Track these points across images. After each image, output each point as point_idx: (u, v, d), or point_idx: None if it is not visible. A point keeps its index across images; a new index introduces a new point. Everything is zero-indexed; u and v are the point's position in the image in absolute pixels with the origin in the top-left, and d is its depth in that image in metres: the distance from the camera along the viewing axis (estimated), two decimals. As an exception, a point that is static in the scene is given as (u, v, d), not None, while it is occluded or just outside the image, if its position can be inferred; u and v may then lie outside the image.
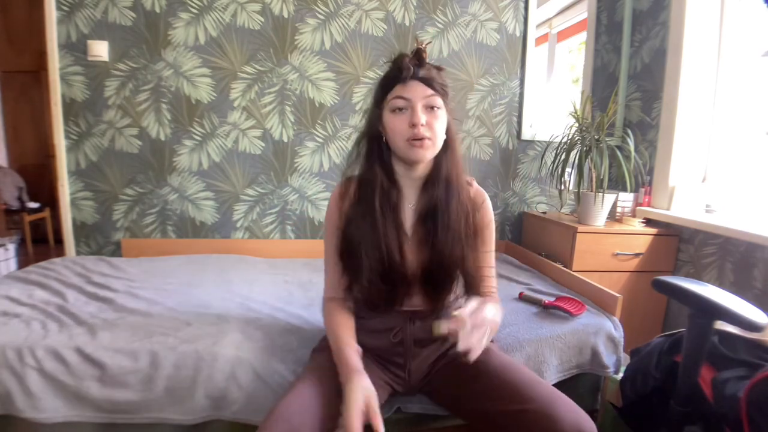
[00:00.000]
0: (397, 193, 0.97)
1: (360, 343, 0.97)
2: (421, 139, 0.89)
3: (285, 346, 1.10)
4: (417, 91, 0.89)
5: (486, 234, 1.01)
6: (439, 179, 0.96)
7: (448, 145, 0.95)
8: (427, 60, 0.92)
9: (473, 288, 0.98)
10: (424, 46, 0.92)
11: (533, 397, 0.81)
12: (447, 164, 0.96)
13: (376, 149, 0.95)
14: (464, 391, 0.93)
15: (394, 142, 0.92)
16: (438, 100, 0.90)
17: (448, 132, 0.94)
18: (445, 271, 0.95)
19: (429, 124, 0.89)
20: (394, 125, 0.90)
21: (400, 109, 0.90)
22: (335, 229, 0.99)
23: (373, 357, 0.99)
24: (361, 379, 0.80)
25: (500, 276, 1.67)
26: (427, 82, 0.90)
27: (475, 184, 1.03)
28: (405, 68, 0.89)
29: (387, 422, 0.94)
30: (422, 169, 0.96)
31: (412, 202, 0.99)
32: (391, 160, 0.97)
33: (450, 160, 0.96)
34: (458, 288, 1.00)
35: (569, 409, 0.79)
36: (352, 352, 0.86)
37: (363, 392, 0.77)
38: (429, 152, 0.91)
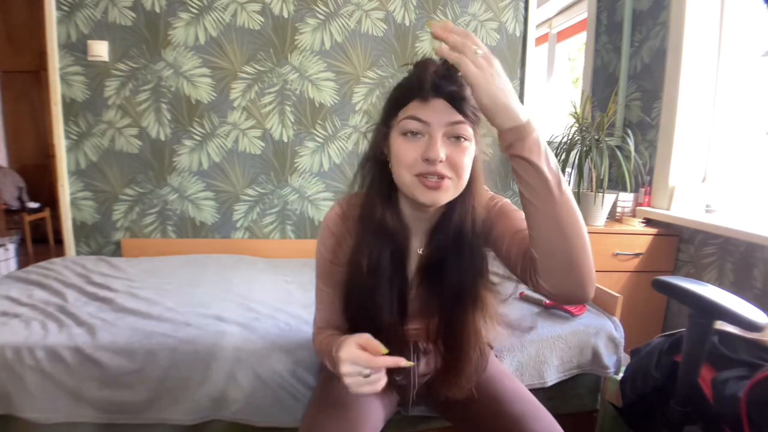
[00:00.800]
0: (405, 239, 0.79)
1: None
2: (440, 177, 0.68)
3: (285, 346, 1.10)
4: (440, 114, 0.67)
5: (509, 217, 0.77)
6: (449, 228, 0.76)
7: (469, 184, 0.73)
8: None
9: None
10: None
11: (512, 413, 0.79)
12: (462, 210, 0.75)
13: (381, 178, 0.76)
14: (453, 400, 0.90)
15: (398, 175, 0.71)
16: (468, 129, 0.69)
17: (472, 169, 0.73)
18: (456, 335, 0.79)
19: (451, 160, 0.68)
20: (402, 153, 0.69)
21: (414, 134, 0.69)
22: (328, 262, 0.82)
23: None
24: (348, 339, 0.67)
25: (500, 276, 1.66)
26: (456, 102, 0.67)
27: (488, 193, 0.82)
28: (427, 80, 0.68)
29: (388, 422, 0.94)
30: (434, 210, 0.76)
31: (420, 246, 0.82)
32: (397, 195, 0.78)
33: (466, 203, 0.75)
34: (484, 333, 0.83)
35: (548, 425, 0.77)
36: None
37: (355, 341, 0.66)
38: (446, 195, 0.71)
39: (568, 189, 0.63)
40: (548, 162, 0.61)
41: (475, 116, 0.70)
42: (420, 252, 0.81)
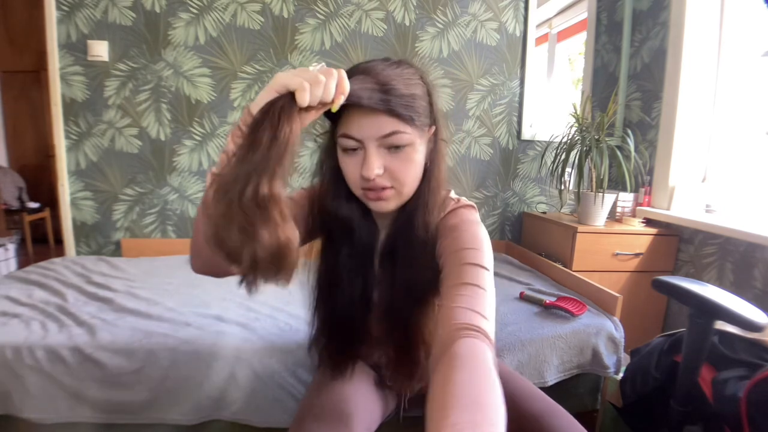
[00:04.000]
0: (372, 234, 0.79)
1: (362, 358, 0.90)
2: (381, 189, 0.68)
3: (284, 346, 1.10)
4: (371, 128, 0.64)
5: (450, 260, 0.68)
6: (401, 226, 0.75)
7: (422, 184, 0.73)
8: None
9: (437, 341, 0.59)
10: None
11: (531, 412, 0.76)
12: (412, 209, 0.73)
13: (342, 180, 0.73)
14: None
15: (351, 187, 0.72)
16: (403, 136, 0.65)
17: (428, 159, 0.72)
18: (404, 330, 0.77)
19: (391, 171, 0.67)
20: (346, 170, 0.70)
21: (353, 149, 0.67)
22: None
23: (374, 377, 0.91)
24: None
25: (500, 276, 1.67)
26: (385, 107, 0.63)
27: (457, 204, 0.78)
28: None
29: (386, 425, 0.94)
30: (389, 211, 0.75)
31: (383, 236, 0.81)
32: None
33: (418, 202, 0.73)
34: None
35: (567, 422, 0.75)
36: None
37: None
38: (392, 203, 0.71)
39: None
40: None
41: (410, 114, 0.65)
42: (382, 242, 0.81)
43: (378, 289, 0.81)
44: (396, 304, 0.78)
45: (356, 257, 0.78)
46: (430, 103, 0.71)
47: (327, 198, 0.75)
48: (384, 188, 0.68)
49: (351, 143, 0.66)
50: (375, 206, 0.71)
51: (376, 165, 0.66)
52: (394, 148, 0.67)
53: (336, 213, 0.75)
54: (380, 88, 0.63)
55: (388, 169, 0.67)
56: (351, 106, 0.62)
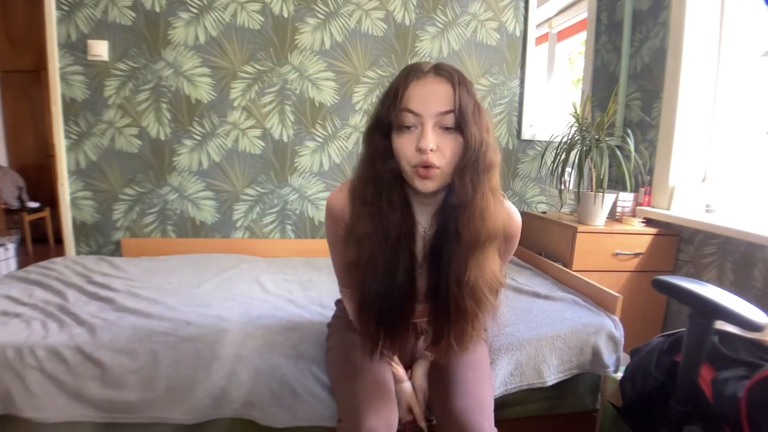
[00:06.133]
0: (411, 219, 0.84)
1: None
2: (427, 167, 0.74)
3: (285, 344, 1.11)
4: (431, 103, 0.73)
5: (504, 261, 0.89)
6: (448, 212, 0.80)
7: (473, 165, 0.76)
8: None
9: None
10: None
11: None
12: (466, 188, 0.77)
13: (386, 164, 0.79)
14: (432, 389, 0.97)
15: (401, 165, 0.78)
16: (455, 119, 0.74)
17: (470, 152, 0.76)
18: (455, 318, 0.83)
19: (441, 150, 0.74)
20: (401, 147, 0.76)
21: (408, 128, 0.75)
22: (335, 237, 0.90)
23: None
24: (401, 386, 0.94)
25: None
26: (447, 76, 0.75)
27: (506, 204, 0.87)
28: (423, 64, 0.78)
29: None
30: (436, 194, 0.82)
31: (425, 226, 0.87)
32: (402, 179, 0.81)
33: (471, 182, 0.77)
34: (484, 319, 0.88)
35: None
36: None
37: (404, 398, 0.93)
38: (434, 184, 0.76)
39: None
40: None
41: (466, 100, 0.75)
42: (426, 233, 0.87)
43: (425, 275, 0.87)
44: (443, 291, 0.83)
45: (400, 239, 0.82)
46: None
47: (375, 186, 0.81)
48: (431, 167, 0.74)
49: (411, 119, 0.75)
50: (420, 184, 0.76)
51: (432, 139, 0.73)
52: (445, 130, 0.75)
53: (381, 197, 0.80)
54: (458, 79, 0.76)
55: (440, 147, 0.74)
56: (417, 75, 0.76)
